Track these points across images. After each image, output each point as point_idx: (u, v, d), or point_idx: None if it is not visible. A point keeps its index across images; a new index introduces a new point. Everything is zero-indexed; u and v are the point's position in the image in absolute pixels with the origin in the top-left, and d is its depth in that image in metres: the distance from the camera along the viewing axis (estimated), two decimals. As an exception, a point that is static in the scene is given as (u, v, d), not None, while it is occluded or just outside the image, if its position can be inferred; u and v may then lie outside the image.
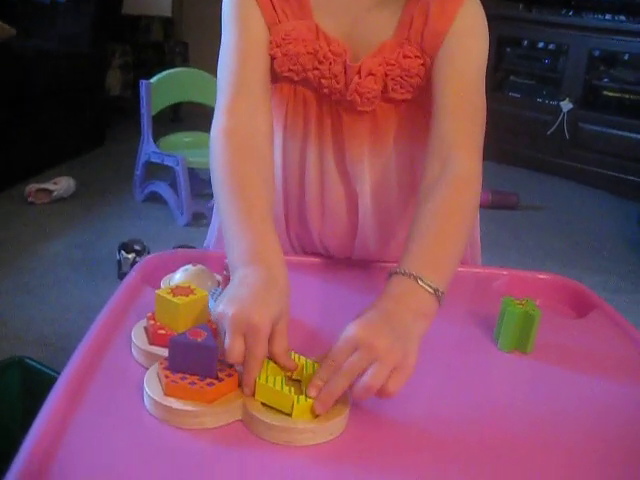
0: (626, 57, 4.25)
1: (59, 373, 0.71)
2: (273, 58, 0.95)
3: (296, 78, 0.96)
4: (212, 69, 3.98)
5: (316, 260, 1.09)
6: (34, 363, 1.46)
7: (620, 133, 4.04)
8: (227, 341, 0.67)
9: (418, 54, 0.94)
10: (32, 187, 3.03)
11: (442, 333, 0.87)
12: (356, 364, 0.66)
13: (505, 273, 1.09)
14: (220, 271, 0.92)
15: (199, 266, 0.88)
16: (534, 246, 3.10)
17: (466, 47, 0.95)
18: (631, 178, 3.97)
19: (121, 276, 2.36)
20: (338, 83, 0.95)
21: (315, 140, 1.00)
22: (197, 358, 0.67)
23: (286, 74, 0.96)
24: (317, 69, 0.95)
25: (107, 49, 4.15)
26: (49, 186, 3.04)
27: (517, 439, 0.69)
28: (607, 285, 2.73)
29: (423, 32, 0.94)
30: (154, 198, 3.16)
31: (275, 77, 0.98)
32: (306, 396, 0.66)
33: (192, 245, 2.46)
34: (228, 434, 0.65)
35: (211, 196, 1.28)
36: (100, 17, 3.72)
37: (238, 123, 0.91)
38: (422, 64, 0.95)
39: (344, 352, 0.67)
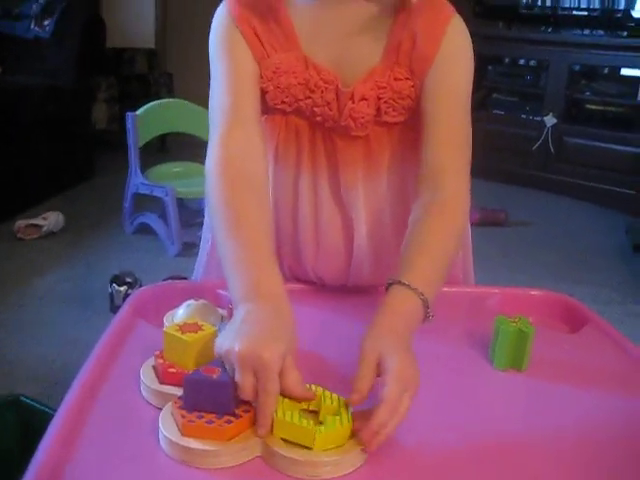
0: (606, 70, 4.31)
1: (55, 410, 0.70)
2: (265, 92, 0.96)
3: (288, 109, 0.97)
4: (197, 99, 3.97)
5: (310, 288, 1.09)
6: (30, 401, 1.45)
7: (604, 145, 4.07)
8: (238, 378, 0.67)
9: (408, 76, 0.95)
10: (21, 223, 3.02)
11: (438, 353, 0.88)
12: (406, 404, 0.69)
13: (497, 291, 1.09)
14: (219, 303, 0.92)
15: (202, 301, 0.88)
16: (524, 262, 3.11)
17: (454, 69, 0.97)
18: (616, 189, 3.99)
19: (114, 309, 2.35)
20: (331, 110, 0.96)
21: (308, 169, 1.00)
22: (213, 395, 0.66)
23: (279, 106, 0.97)
24: (309, 98, 0.95)
25: (92, 83, 4.16)
26: (38, 221, 3.04)
27: (517, 457, 0.70)
28: (598, 297, 2.74)
29: (412, 56, 0.95)
30: (144, 230, 3.15)
31: (266, 109, 0.98)
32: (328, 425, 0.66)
33: (184, 275, 2.45)
34: (249, 472, 0.64)
35: (201, 225, 1.29)
36: (84, 51, 3.73)
37: (232, 154, 0.91)
38: (412, 86, 0.96)
39: (398, 393, 0.69)
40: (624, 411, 0.80)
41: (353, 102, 0.95)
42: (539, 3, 4.43)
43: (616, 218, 3.76)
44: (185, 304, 0.87)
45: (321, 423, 0.66)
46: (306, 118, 0.98)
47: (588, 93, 4.23)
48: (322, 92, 0.95)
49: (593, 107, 4.24)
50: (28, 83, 3.42)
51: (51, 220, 3.09)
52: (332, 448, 0.65)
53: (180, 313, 0.86)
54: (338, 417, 0.67)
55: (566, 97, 4.20)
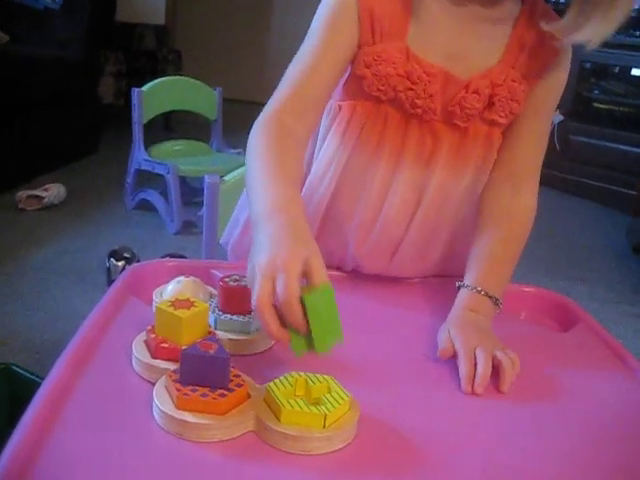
0: (616, 70, 4.28)
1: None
2: (362, 78, 0.95)
3: (383, 97, 0.96)
4: (205, 77, 3.98)
5: (342, 275, 1.08)
6: (21, 370, 1.46)
7: (610, 145, 4.07)
8: (255, 285, 0.70)
9: (522, 81, 0.97)
10: (22, 194, 3.03)
11: (421, 343, 0.88)
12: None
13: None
14: (210, 282, 0.92)
15: (192, 278, 0.88)
16: (522, 256, 3.11)
17: (559, 81, 1.01)
18: (620, 189, 3.99)
19: (110, 284, 2.35)
20: (433, 102, 0.96)
21: (389, 157, 0.99)
22: (209, 370, 0.67)
23: (374, 93, 0.96)
24: (411, 89, 0.95)
25: (100, 56, 4.16)
26: (40, 193, 3.04)
27: (501, 453, 0.70)
28: (594, 295, 2.74)
29: (529, 63, 0.97)
30: (145, 206, 3.16)
31: (359, 94, 0.98)
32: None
33: (182, 253, 2.46)
34: (241, 445, 0.65)
35: (202, 204, 1.29)
36: (94, 24, 3.73)
37: (284, 118, 0.92)
38: (523, 91, 0.97)
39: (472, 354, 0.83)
40: (607, 412, 0.80)
41: (467, 92, 0.95)
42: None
43: (617, 218, 3.76)
44: (175, 280, 0.87)
45: (317, 404, 0.67)
46: (398, 108, 0.97)
47: (597, 91, 4.21)
48: (425, 85, 0.94)
49: (601, 106, 4.23)
50: (36, 54, 3.41)
51: (53, 192, 3.09)
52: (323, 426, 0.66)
53: (169, 289, 0.86)
54: (337, 395, 0.68)
55: (575, 94, 4.18)
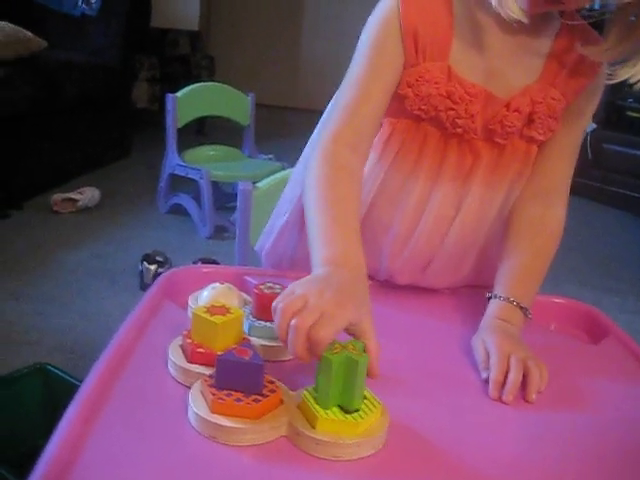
0: (651, 78, 4.24)
1: (81, 381, 0.72)
2: (404, 97, 0.96)
3: (424, 116, 0.97)
4: (237, 83, 4.00)
5: (374, 284, 1.08)
6: (56, 370, 1.49)
7: (642, 154, 4.03)
8: (294, 298, 0.71)
9: (561, 98, 0.97)
10: (58, 197, 3.08)
11: (451, 351, 0.89)
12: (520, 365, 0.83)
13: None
14: (245, 289, 0.94)
15: (226, 284, 0.90)
16: (552, 266, 3.09)
17: (595, 99, 1.01)
18: (651, 200, 3.95)
19: (143, 287, 2.39)
20: (474, 122, 0.96)
21: (427, 175, 1.00)
22: (244, 376, 0.68)
23: (416, 112, 0.96)
24: (452, 109, 0.95)
25: (135, 62, 4.21)
26: (74, 195, 3.09)
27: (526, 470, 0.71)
28: (625, 306, 2.72)
29: (568, 81, 0.97)
30: (177, 210, 3.19)
31: (400, 112, 0.98)
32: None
33: (214, 258, 2.49)
34: (274, 450, 0.66)
35: (234, 209, 1.30)
36: (129, 30, 3.78)
37: (339, 150, 0.93)
38: (562, 108, 0.98)
39: (505, 360, 0.84)
40: (631, 426, 0.81)
41: (507, 110, 0.96)
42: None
43: (646, 227, 3.72)
44: (210, 286, 0.89)
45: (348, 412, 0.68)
46: (441, 127, 0.98)
47: (631, 100, 4.18)
48: (466, 105, 0.95)
49: (635, 115, 4.18)
50: (72, 59, 3.47)
51: (87, 195, 3.14)
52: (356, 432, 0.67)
53: (205, 295, 0.88)
54: (369, 402, 0.69)
55: (608, 103, 4.15)
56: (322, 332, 0.68)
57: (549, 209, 1.04)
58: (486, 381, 0.83)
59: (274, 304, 0.72)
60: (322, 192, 0.90)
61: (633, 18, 0.86)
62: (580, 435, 0.77)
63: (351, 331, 0.73)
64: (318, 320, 0.69)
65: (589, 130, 4.10)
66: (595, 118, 4.10)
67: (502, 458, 0.71)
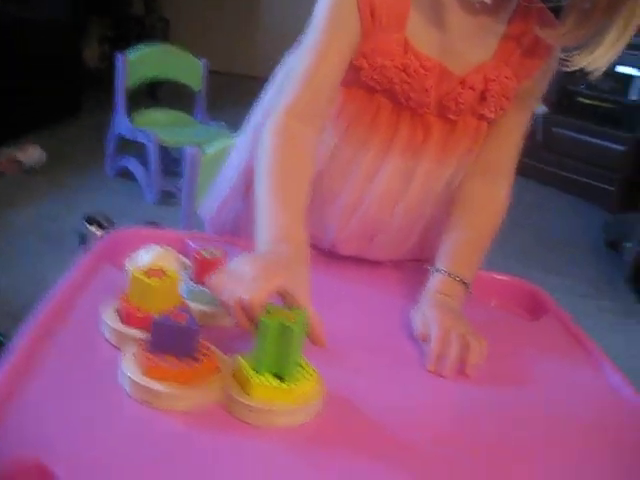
0: (603, 65, 4.30)
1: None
2: (359, 68, 0.95)
3: (378, 88, 0.96)
4: (191, 46, 3.91)
5: (317, 253, 1.06)
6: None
7: (592, 140, 4.10)
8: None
9: (514, 78, 0.97)
10: (2, 157, 3.00)
11: (390, 323, 0.89)
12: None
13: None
14: (185, 252, 0.93)
15: (166, 247, 0.88)
16: (498, 245, 3.13)
17: (545, 81, 1.01)
18: (599, 184, 4.03)
19: (85, 249, 2.34)
20: (428, 97, 0.95)
21: (378, 147, 1.00)
22: (179, 340, 0.67)
23: (370, 83, 0.96)
24: (407, 83, 0.94)
25: (86, 20, 4.11)
26: (16, 153, 3.01)
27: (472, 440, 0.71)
28: (575, 289, 2.77)
29: (521, 61, 0.97)
30: (126, 174, 3.14)
31: (354, 82, 0.97)
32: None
33: (160, 223, 2.45)
34: (207, 416, 0.65)
35: (181, 175, 1.28)
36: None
37: (292, 123, 0.93)
38: (514, 88, 0.97)
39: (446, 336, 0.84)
40: (562, 398, 0.82)
41: (462, 88, 0.95)
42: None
43: (595, 213, 3.80)
44: (146, 248, 0.87)
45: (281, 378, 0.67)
46: (394, 100, 0.97)
47: (583, 86, 4.24)
48: (421, 79, 0.94)
49: (585, 101, 4.25)
50: (20, 13, 3.36)
51: (31, 155, 3.06)
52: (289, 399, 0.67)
53: (143, 257, 0.86)
54: (305, 372, 0.69)
55: (560, 88, 4.20)
56: (249, 295, 0.70)
57: (494, 186, 1.04)
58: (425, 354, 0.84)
59: (206, 282, 0.74)
60: (272, 167, 0.90)
61: (588, 5, 0.86)
62: (517, 408, 0.78)
63: (286, 300, 0.73)
64: (246, 286, 0.71)
65: (540, 113, 4.15)
66: (546, 102, 4.15)
67: (439, 432, 0.71)
